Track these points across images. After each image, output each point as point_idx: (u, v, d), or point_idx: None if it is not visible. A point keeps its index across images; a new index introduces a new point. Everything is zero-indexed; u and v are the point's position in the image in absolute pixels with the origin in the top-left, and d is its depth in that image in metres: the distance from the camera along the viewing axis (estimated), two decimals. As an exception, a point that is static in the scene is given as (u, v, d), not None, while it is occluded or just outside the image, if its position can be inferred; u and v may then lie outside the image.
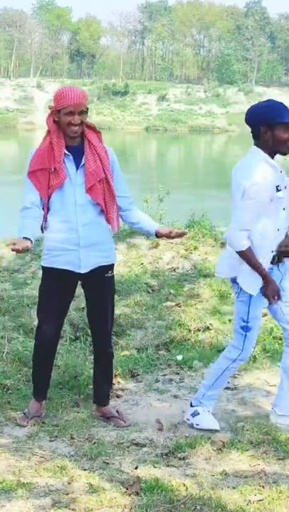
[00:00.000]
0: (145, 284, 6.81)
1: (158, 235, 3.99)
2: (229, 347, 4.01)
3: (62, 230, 3.81)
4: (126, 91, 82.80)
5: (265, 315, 6.36)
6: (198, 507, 3.03)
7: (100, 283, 3.95)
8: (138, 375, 4.90)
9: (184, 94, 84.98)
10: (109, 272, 3.98)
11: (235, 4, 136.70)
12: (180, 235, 4.00)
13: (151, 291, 6.72)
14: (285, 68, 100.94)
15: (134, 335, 5.72)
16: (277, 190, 3.72)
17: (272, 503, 3.08)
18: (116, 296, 6.39)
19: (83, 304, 6.20)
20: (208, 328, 5.85)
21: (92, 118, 74.27)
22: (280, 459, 3.57)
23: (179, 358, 5.17)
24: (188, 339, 5.60)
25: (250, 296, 3.82)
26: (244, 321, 3.88)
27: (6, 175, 28.54)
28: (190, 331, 5.75)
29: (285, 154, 3.81)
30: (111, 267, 3.99)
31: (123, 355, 5.28)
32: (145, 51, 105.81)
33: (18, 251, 3.57)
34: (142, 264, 7.42)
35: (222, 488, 3.22)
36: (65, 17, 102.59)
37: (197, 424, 3.97)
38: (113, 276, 4.03)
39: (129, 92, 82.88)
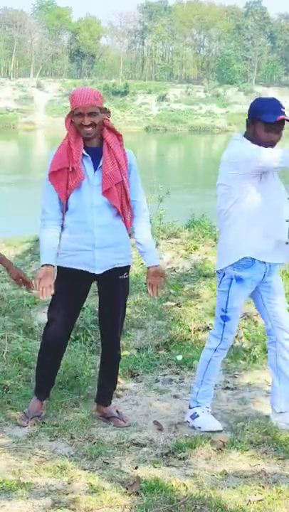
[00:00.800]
0: (145, 284, 6.81)
1: (147, 268, 4.03)
2: (209, 336, 4.09)
3: (78, 230, 3.82)
4: (126, 91, 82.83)
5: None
6: (198, 507, 3.03)
7: (115, 284, 3.94)
8: (138, 375, 4.90)
9: (184, 94, 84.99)
10: (125, 273, 3.97)
11: (235, 4, 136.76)
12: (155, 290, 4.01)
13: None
14: (285, 68, 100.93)
15: (134, 335, 5.72)
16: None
17: (272, 503, 3.08)
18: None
19: (84, 304, 6.21)
20: (208, 328, 5.85)
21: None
22: (280, 459, 3.57)
23: (179, 358, 5.17)
24: (188, 339, 5.60)
25: (230, 286, 3.88)
26: (223, 311, 3.96)
27: (6, 175, 28.55)
28: (190, 331, 5.75)
29: None
30: (127, 268, 3.98)
31: (123, 355, 5.28)
32: (145, 51, 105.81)
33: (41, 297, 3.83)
34: (141, 264, 7.41)
35: (222, 488, 3.22)
36: (65, 17, 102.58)
37: (199, 427, 3.96)
38: (128, 278, 4.03)
39: (129, 92, 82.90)
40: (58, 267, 3.97)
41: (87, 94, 3.72)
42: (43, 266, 3.85)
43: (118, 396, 4.50)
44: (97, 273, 3.86)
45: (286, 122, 3.80)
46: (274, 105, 3.81)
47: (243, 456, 3.59)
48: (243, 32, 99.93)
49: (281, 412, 4.00)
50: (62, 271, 3.94)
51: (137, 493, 3.13)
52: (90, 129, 3.74)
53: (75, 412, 4.20)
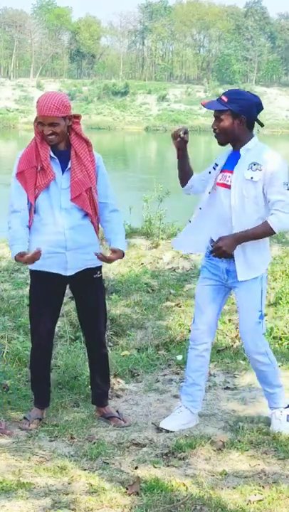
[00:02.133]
0: (145, 284, 6.82)
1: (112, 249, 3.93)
2: None
3: (48, 232, 3.79)
4: (126, 91, 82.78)
5: (265, 315, 6.37)
6: (198, 507, 3.03)
7: (89, 284, 3.93)
8: (138, 375, 4.90)
9: (184, 94, 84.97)
10: (98, 272, 3.96)
11: (235, 4, 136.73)
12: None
13: (151, 291, 6.72)
14: (285, 68, 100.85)
15: (134, 335, 5.72)
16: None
17: (272, 503, 3.08)
18: (116, 296, 6.42)
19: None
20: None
21: (92, 118, 74.41)
22: (280, 459, 3.57)
23: (179, 358, 5.16)
24: (188, 339, 5.59)
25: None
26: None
27: (6, 175, 28.55)
28: (190, 331, 5.74)
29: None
30: (99, 268, 3.97)
31: (123, 355, 5.28)
32: (145, 51, 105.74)
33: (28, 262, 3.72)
34: (142, 264, 7.43)
35: (222, 488, 3.22)
36: (65, 17, 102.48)
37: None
38: (101, 277, 4.01)
39: (129, 92, 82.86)
40: (31, 271, 3.95)
41: (48, 104, 3.66)
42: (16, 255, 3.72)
43: (118, 396, 4.50)
44: (69, 275, 3.85)
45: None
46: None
47: (243, 456, 3.59)
48: (243, 32, 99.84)
49: (282, 415, 4.00)
50: (34, 274, 3.93)
51: (137, 493, 3.13)
52: (51, 137, 3.72)
53: (75, 412, 4.20)
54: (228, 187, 3.80)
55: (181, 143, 4.02)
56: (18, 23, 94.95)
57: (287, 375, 4.86)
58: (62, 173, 3.79)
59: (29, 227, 3.81)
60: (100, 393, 4.15)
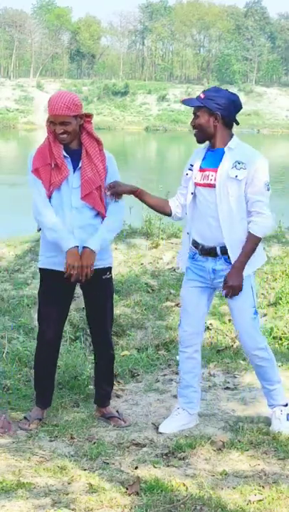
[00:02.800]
0: (145, 284, 6.82)
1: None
2: None
3: (76, 238, 3.78)
4: (126, 91, 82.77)
5: (265, 315, 6.38)
6: (198, 507, 3.03)
7: (98, 285, 3.93)
8: (138, 375, 4.90)
9: (184, 94, 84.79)
10: (107, 273, 3.96)
11: (235, 4, 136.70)
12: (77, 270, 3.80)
13: (151, 291, 6.72)
14: (285, 68, 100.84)
15: (134, 335, 5.73)
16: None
17: (272, 503, 3.08)
18: (116, 296, 6.42)
19: (83, 304, 6.21)
20: (208, 328, 5.85)
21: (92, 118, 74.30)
22: (280, 459, 3.57)
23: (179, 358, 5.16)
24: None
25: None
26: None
27: (6, 175, 28.53)
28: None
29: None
30: (108, 269, 3.97)
31: (123, 355, 5.28)
32: (145, 51, 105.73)
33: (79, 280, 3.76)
34: (142, 264, 7.43)
35: (222, 488, 3.22)
36: (65, 17, 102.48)
37: None
38: (111, 277, 4.02)
39: (129, 92, 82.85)
40: (40, 269, 3.97)
41: (60, 104, 3.67)
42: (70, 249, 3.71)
43: (118, 396, 4.50)
44: None
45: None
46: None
47: (243, 456, 3.59)
48: (243, 32, 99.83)
49: (281, 413, 4.00)
50: (44, 272, 3.93)
51: (137, 493, 3.13)
52: (63, 136, 3.73)
53: (75, 412, 4.20)
54: (212, 186, 3.78)
55: (120, 193, 3.93)
56: (18, 23, 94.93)
57: (287, 375, 4.86)
58: (74, 171, 3.80)
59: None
60: (103, 394, 4.16)
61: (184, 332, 4.02)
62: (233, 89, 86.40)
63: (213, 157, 3.83)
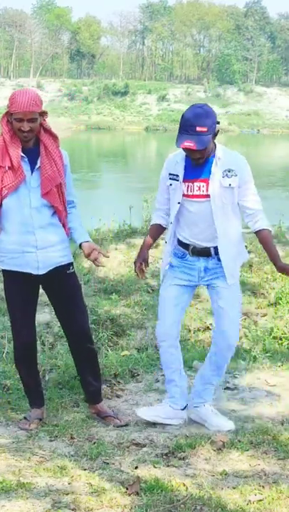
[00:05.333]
0: (145, 284, 6.82)
1: (80, 248, 3.95)
2: None
3: (17, 232, 3.76)
4: (126, 91, 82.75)
5: (264, 315, 6.38)
6: (198, 507, 3.03)
7: (63, 281, 3.90)
8: (138, 375, 4.90)
9: (184, 94, 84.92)
10: (70, 268, 3.93)
11: (235, 4, 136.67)
12: (96, 258, 3.89)
13: (151, 291, 6.72)
14: (285, 68, 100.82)
15: (134, 335, 5.73)
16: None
17: (272, 503, 3.08)
18: (116, 296, 6.42)
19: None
20: (208, 328, 5.86)
21: (92, 118, 74.43)
22: (280, 459, 3.57)
23: (179, 358, 5.16)
24: (188, 339, 5.60)
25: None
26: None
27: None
28: (190, 331, 5.76)
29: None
30: (71, 264, 3.94)
31: (123, 355, 5.28)
32: (145, 51, 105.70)
33: None
34: (141, 264, 7.41)
35: (222, 488, 3.22)
36: (65, 17, 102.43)
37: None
38: (74, 272, 3.98)
39: (129, 92, 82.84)
40: (2, 270, 3.94)
41: (28, 100, 3.64)
42: None
43: (118, 396, 4.50)
44: (40, 273, 3.83)
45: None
46: (185, 125, 3.70)
47: (243, 456, 3.59)
48: (243, 32, 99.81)
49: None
50: (6, 274, 3.91)
51: (137, 493, 3.13)
52: (28, 133, 3.69)
53: (75, 412, 4.20)
54: (204, 197, 3.81)
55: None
56: (18, 23, 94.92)
57: (288, 375, 4.86)
58: (32, 172, 3.76)
59: None
60: (93, 391, 4.13)
61: (161, 327, 4.08)
62: (233, 89, 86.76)
63: (198, 168, 3.82)
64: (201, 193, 3.81)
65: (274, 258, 3.82)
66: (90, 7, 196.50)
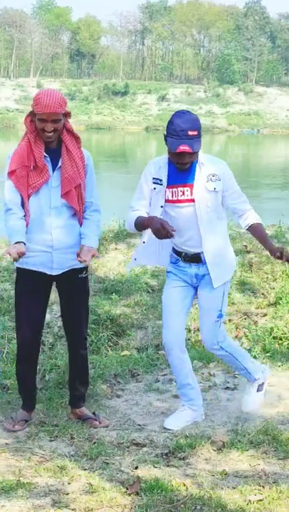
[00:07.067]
0: (145, 284, 6.82)
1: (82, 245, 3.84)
2: None
3: (35, 231, 3.77)
4: (126, 91, 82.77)
5: (265, 315, 6.38)
6: (198, 507, 3.03)
7: (73, 284, 3.91)
8: (138, 375, 4.90)
9: (184, 94, 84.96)
10: (84, 272, 3.92)
11: (235, 4, 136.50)
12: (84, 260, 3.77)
13: (151, 291, 6.72)
14: (285, 68, 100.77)
15: (134, 335, 5.73)
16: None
17: (272, 503, 3.08)
18: (116, 296, 6.42)
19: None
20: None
21: (92, 118, 74.44)
22: (280, 459, 3.57)
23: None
24: (188, 339, 5.60)
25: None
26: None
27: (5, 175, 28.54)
28: (190, 330, 5.75)
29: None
30: (85, 268, 3.93)
31: (123, 355, 5.28)
32: (145, 51, 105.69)
33: (15, 259, 3.61)
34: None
35: (222, 488, 3.22)
36: (65, 17, 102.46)
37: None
38: (87, 277, 3.99)
39: (129, 92, 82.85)
40: (17, 268, 3.96)
41: (53, 101, 3.64)
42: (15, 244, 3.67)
43: (118, 396, 4.51)
44: (54, 274, 3.84)
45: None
46: (175, 131, 3.70)
47: (243, 456, 3.59)
48: (243, 32, 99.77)
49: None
50: (20, 272, 3.92)
51: (137, 493, 3.13)
52: (51, 134, 3.71)
53: (75, 412, 4.19)
54: (188, 201, 3.84)
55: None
56: (18, 23, 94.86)
57: (288, 375, 4.86)
58: (53, 171, 3.78)
59: (26, 223, 3.78)
60: (77, 395, 4.13)
61: (169, 333, 4.04)
62: (233, 89, 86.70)
63: (182, 173, 3.84)
64: (186, 197, 3.85)
65: (269, 246, 3.87)
66: (90, 7, 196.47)
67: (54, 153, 3.79)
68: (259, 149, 49.80)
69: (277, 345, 5.51)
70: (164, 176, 3.87)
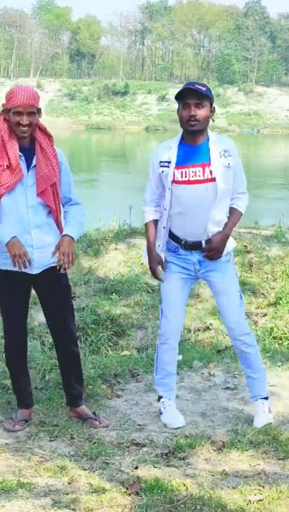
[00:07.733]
0: (145, 284, 6.82)
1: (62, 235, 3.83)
2: None
3: (14, 231, 3.73)
4: (126, 91, 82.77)
5: (265, 315, 6.38)
6: (198, 507, 3.03)
7: (54, 281, 3.88)
8: (138, 375, 4.90)
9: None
10: (63, 268, 3.87)
11: (235, 4, 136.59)
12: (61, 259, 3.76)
13: (151, 291, 6.73)
14: (285, 68, 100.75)
15: (134, 335, 5.73)
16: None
17: (272, 503, 3.08)
18: (116, 296, 6.42)
19: (83, 304, 6.22)
20: (208, 328, 5.86)
21: (92, 118, 74.48)
22: (280, 459, 3.57)
23: (179, 358, 5.16)
24: (188, 339, 5.60)
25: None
26: (161, 298, 4.09)
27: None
28: (190, 331, 5.75)
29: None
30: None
31: (123, 355, 5.28)
32: (145, 51, 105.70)
33: (25, 267, 3.68)
34: (141, 264, 7.42)
35: (222, 488, 3.22)
36: (65, 17, 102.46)
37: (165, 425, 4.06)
38: (66, 273, 3.94)
39: (129, 92, 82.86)
40: None
41: (28, 94, 3.66)
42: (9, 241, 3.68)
43: (118, 396, 4.51)
44: (34, 273, 3.81)
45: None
46: (184, 86, 3.77)
47: (243, 456, 3.59)
48: (243, 32, 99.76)
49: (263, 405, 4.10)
50: (1, 273, 3.87)
51: (137, 493, 3.13)
52: (26, 128, 3.68)
53: (75, 412, 4.19)
54: (205, 181, 3.76)
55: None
56: (18, 23, 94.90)
57: (288, 375, 4.86)
58: (28, 170, 3.75)
59: None
60: (75, 394, 4.11)
61: (168, 324, 4.04)
62: (233, 89, 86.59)
63: (194, 152, 3.80)
64: (198, 178, 3.77)
65: (222, 231, 3.85)
66: (90, 7, 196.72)
67: (28, 151, 3.75)
68: (259, 149, 49.78)
69: (277, 345, 5.51)
70: (173, 157, 3.82)
